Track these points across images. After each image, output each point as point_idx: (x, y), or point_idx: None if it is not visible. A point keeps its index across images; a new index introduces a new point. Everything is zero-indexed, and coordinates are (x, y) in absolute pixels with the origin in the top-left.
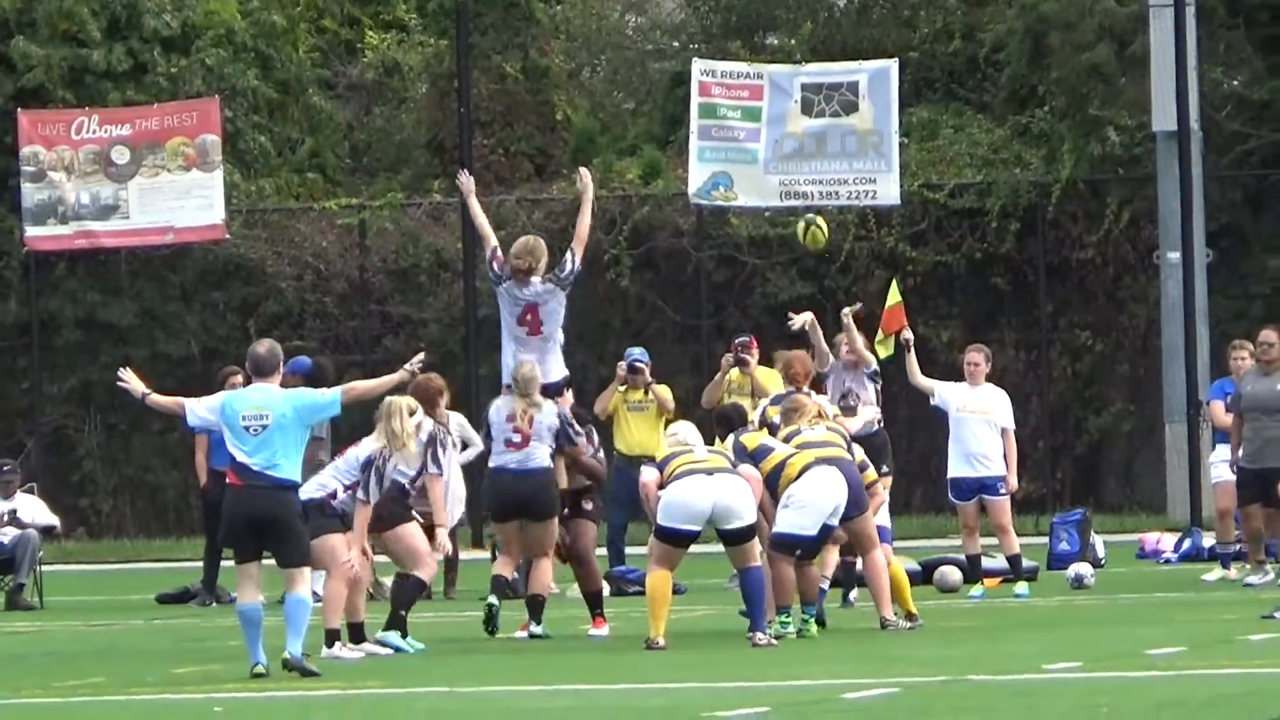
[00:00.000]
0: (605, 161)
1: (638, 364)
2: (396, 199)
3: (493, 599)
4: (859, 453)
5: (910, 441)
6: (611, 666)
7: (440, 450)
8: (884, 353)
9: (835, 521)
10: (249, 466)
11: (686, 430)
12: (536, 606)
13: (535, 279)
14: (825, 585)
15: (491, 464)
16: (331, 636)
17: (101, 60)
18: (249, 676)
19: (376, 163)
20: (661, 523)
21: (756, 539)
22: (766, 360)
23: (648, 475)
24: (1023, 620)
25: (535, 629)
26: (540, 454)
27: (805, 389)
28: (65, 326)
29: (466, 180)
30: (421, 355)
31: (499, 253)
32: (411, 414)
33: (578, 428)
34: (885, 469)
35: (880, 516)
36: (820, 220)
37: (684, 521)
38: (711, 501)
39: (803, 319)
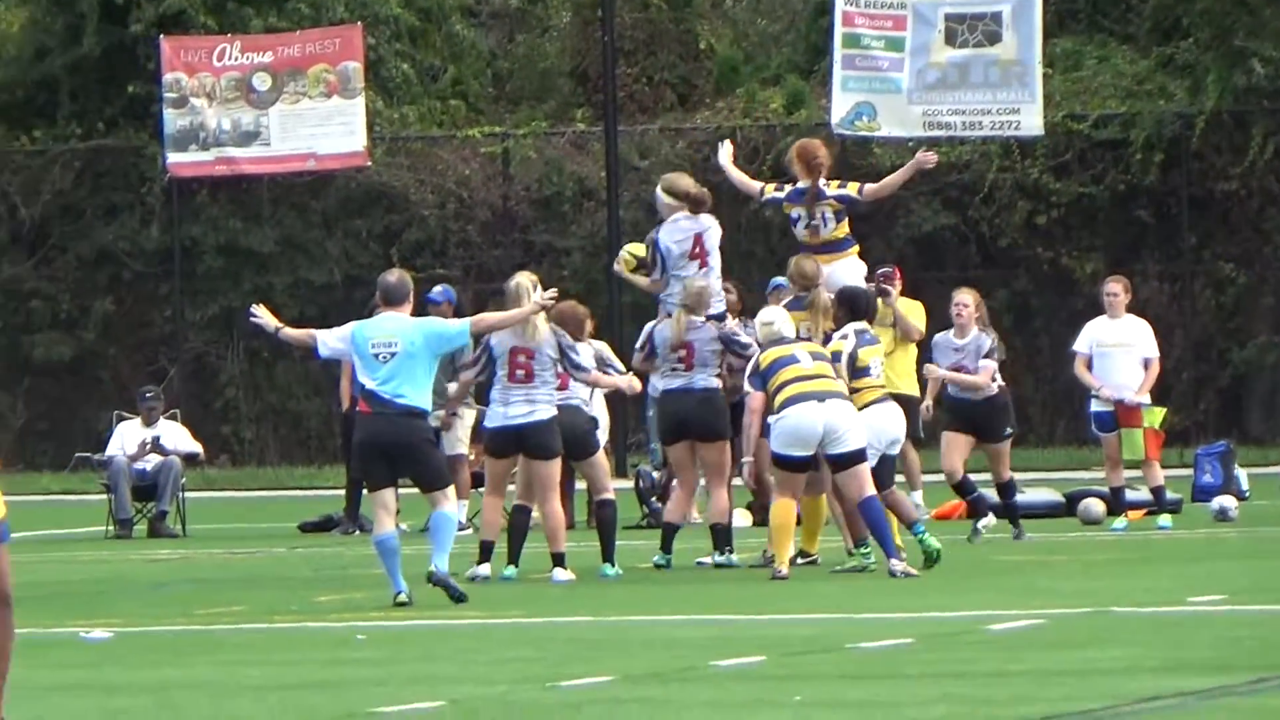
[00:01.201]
0: (748, 91)
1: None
2: (540, 128)
3: (657, 558)
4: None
5: (1054, 371)
6: (754, 597)
7: (574, 351)
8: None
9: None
10: (378, 394)
11: (781, 319)
12: (720, 535)
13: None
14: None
15: (660, 386)
16: (557, 560)
17: None
18: (391, 605)
19: (519, 91)
20: (774, 448)
21: (867, 465)
22: (909, 291)
23: (754, 400)
24: (1166, 553)
25: (719, 558)
26: (707, 374)
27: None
28: (207, 253)
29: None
30: (554, 291)
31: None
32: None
33: (744, 340)
34: (1009, 431)
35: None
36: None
37: (797, 448)
38: (823, 425)
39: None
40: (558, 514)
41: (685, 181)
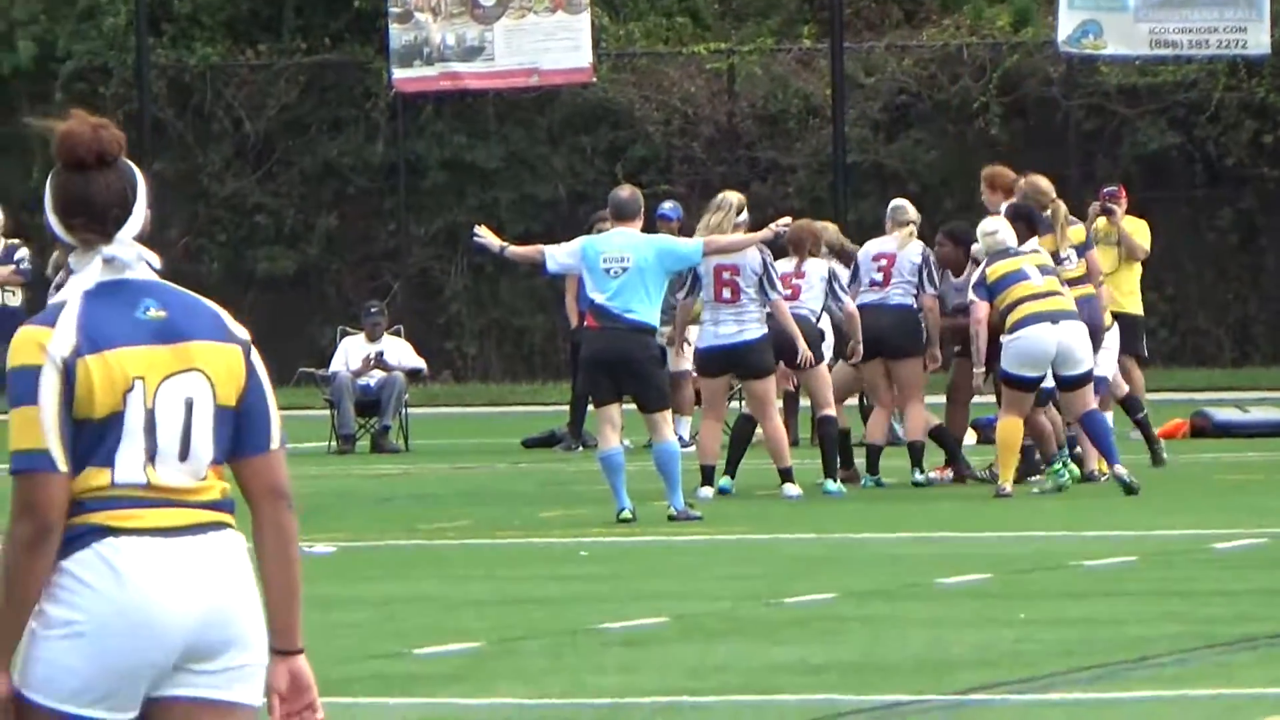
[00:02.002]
0: (975, 8)
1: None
2: (766, 44)
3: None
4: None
5: None
6: (979, 515)
7: (839, 284)
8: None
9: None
10: (607, 308)
11: (1006, 230)
12: (916, 453)
13: None
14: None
15: (858, 303)
16: (785, 475)
17: None
18: (615, 521)
19: (745, 8)
20: (1005, 367)
21: (1091, 385)
22: (1135, 210)
23: (979, 309)
24: None
25: (918, 476)
26: (900, 292)
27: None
28: (431, 169)
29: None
30: (787, 218)
31: None
32: (740, 211)
33: (936, 276)
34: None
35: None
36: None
37: (1028, 368)
38: (1055, 345)
39: None
40: (779, 430)
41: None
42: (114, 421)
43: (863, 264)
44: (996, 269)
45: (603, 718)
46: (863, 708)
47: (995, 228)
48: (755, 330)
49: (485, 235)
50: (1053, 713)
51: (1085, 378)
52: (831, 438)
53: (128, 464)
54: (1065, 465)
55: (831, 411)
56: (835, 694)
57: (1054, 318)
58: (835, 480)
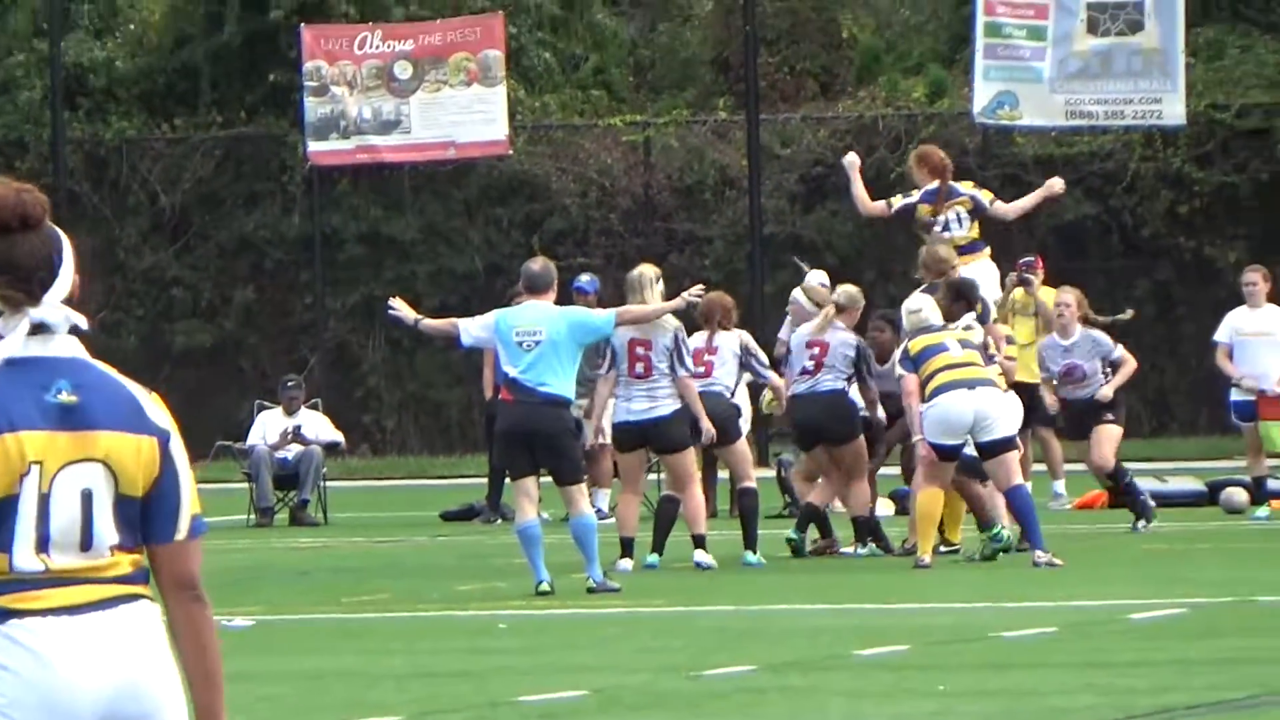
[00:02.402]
0: (890, 80)
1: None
2: (681, 116)
3: (792, 533)
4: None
5: (1198, 361)
6: (898, 586)
7: (756, 359)
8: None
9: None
10: (521, 382)
11: (929, 307)
12: (861, 527)
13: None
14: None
15: (789, 391)
16: (697, 542)
17: None
18: (533, 594)
19: (661, 80)
20: (925, 436)
21: (1016, 453)
22: (1052, 281)
23: (908, 381)
24: None
25: (862, 550)
26: (830, 378)
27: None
28: (348, 241)
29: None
30: (700, 286)
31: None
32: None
33: (876, 366)
34: (1108, 417)
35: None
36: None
37: (946, 436)
38: (973, 413)
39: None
40: (697, 499)
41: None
42: (8, 505)
43: (795, 351)
44: (918, 342)
45: None
46: None
47: (919, 306)
48: (668, 406)
49: (400, 308)
50: None
51: (1005, 444)
52: (751, 510)
53: (23, 550)
54: (1003, 528)
55: (751, 484)
56: None
57: (970, 384)
58: (755, 552)
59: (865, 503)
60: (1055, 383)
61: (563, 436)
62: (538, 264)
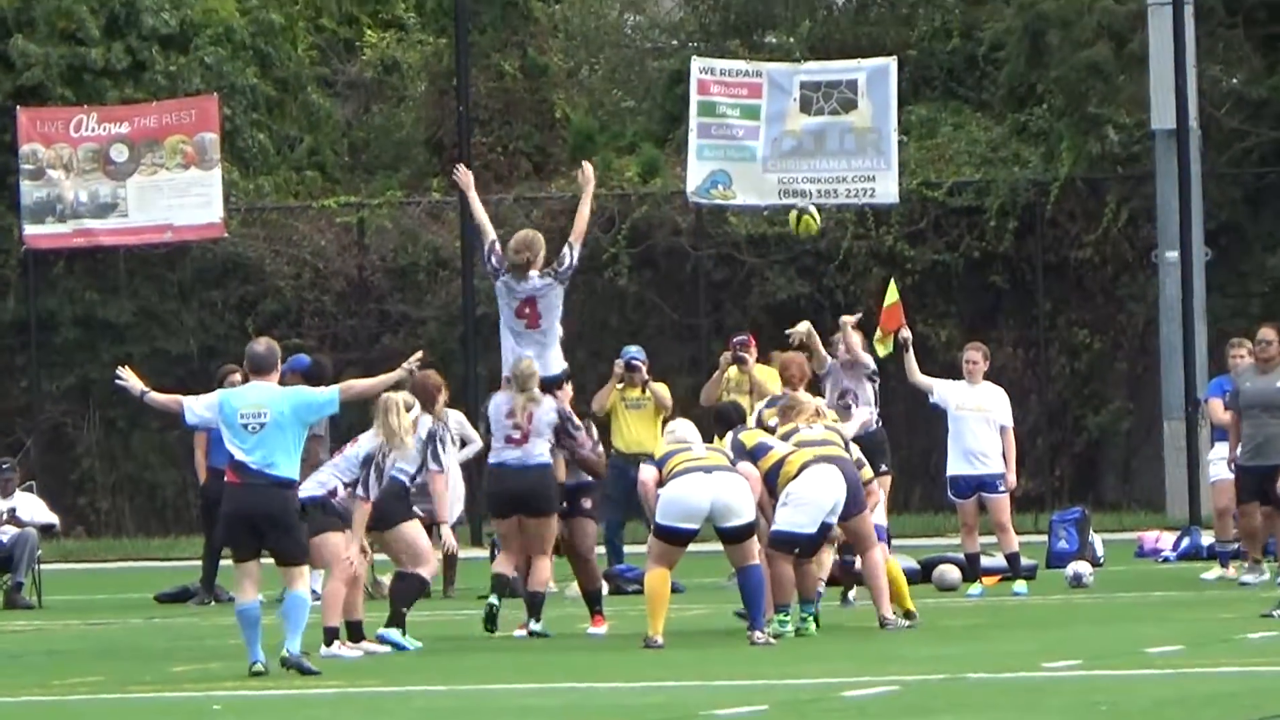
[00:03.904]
0: (604, 160)
1: (635, 362)
2: (395, 197)
3: (493, 598)
4: (856, 451)
5: (909, 439)
6: (609, 664)
7: (441, 447)
8: (883, 351)
9: (834, 519)
10: (247, 465)
11: (685, 428)
12: (535, 604)
13: (533, 272)
14: (822, 586)
15: (491, 460)
16: (330, 635)
17: (100, 58)
18: (248, 675)
19: (375, 161)
20: (660, 521)
21: (755, 538)
22: (765, 358)
23: (646, 473)
24: (1021, 618)
25: (535, 626)
26: (539, 449)
27: (802, 391)
28: (64, 324)
29: (465, 175)
30: (419, 354)
31: (497, 246)
32: (408, 409)
33: (577, 422)
34: (884, 468)
35: (877, 515)
36: (813, 209)
37: (682, 520)
38: (710, 499)
39: (800, 330)
40: (335, 588)
41: (511, 242)
42: None
43: (494, 418)
44: (666, 446)
45: None
46: None
47: (674, 428)
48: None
49: (128, 378)
50: None
51: (744, 531)
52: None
53: None
54: (790, 618)
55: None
56: None
57: (708, 469)
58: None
59: (545, 579)
60: None
61: (288, 518)
62: (262, 345)
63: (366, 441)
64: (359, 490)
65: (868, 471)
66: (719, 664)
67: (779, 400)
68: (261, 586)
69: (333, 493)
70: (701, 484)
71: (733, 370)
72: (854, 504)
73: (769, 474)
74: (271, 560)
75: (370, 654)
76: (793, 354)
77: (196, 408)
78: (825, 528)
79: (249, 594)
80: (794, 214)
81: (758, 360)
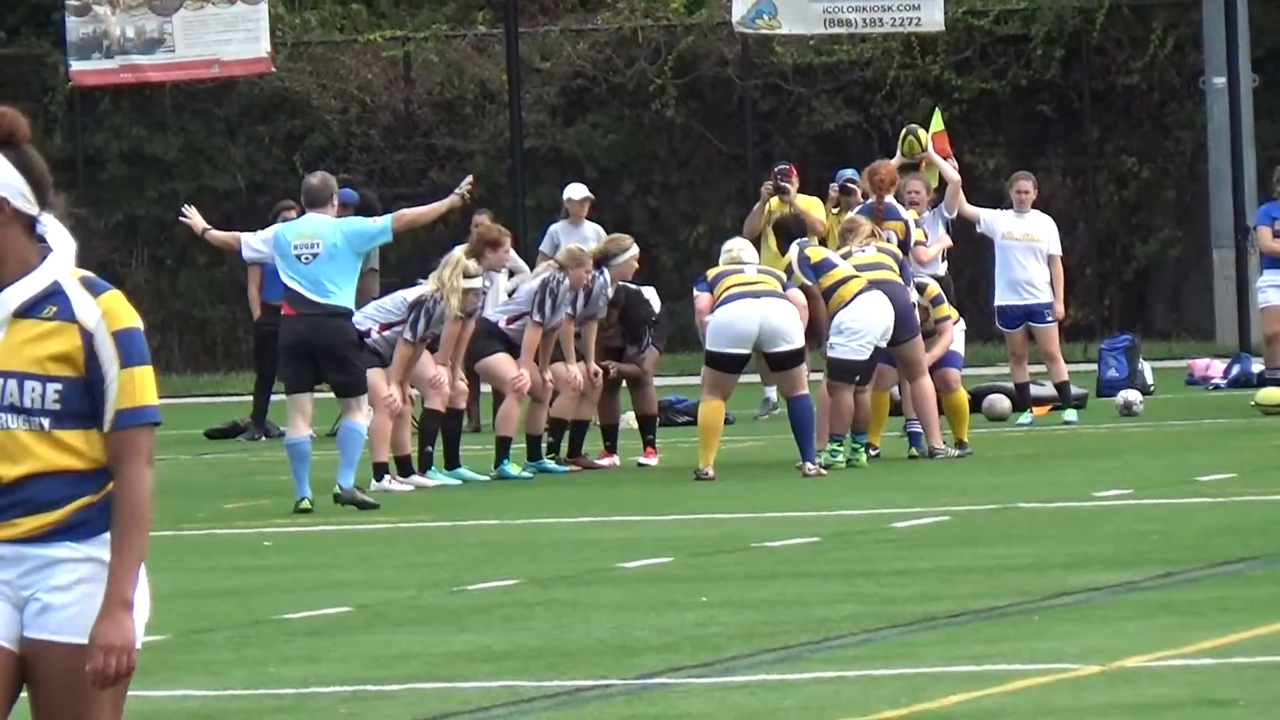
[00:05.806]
0: None
1: (850, 185)
2: (441, 30)
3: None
4: (912, 274)
5: (958, 269)
6: (661, 497)
7: (550, 300)
8: (930, 180)
9: (884, 344)
10: (302, 294)
11: (742, 247)
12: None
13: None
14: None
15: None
16: (379, 470)
17: None
18: (293, 511)
19: None
20: (710, 347)
21: (804, 366)
22: (807, 188)
23: (700, 299)
24: (1072, 447)
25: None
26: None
27: (888, 198)
28: (111, 161)
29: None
30: (469, 180)
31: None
32: (467, 276)
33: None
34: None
35: (957, 344)
36: (920, 130)
37: (731, 345)
38: (759, 321)
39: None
40: (381, 424)
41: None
42: None
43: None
44: (718, 268)
45: (287, 708)
46: (544, 693)
47: (732, 245)
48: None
49: (192, 215)
50: (736, 694)
51: (793, 357)
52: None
53: None
54: (843, 449)
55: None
56: (518, 680)
57: (757, 294)
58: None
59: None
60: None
61: (346, 348)
62: (316, 178)
63: (419, 288)
64: (406, 331)
65: (946, 308)
66: (770, 496)
67: (865, 208)
68: (313, 423)
69: (366, 333)
70: (750, 308)
71: (774, 200)
72: (905, 329)
73: (828, 292)
74: (323, 396)
75: (421, 488)
76: (883, 161)
77: (253, 242)
78: (877, 352)
79: (300, 428)
80: (904, 133)
81: (799, 190)
